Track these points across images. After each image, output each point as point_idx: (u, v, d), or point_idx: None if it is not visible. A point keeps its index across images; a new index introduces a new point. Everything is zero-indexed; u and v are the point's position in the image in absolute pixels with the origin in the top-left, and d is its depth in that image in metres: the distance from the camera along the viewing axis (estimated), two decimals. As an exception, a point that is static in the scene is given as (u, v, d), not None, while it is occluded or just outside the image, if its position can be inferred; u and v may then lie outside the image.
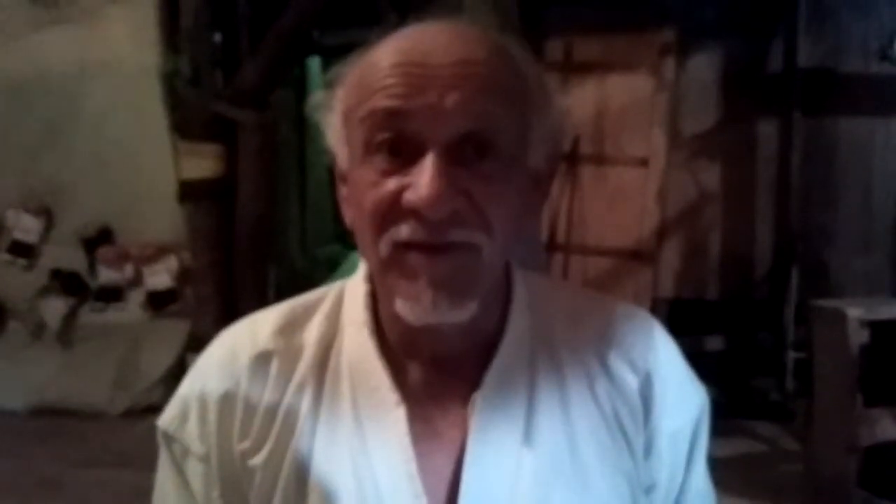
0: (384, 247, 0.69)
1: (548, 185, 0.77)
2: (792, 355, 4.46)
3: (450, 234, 0.67)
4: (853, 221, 4.58)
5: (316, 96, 0.75)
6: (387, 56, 0.69)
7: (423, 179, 0.65)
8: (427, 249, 0.67)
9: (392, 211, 0.67)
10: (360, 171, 0.70)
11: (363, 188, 0.69)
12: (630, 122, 4.60)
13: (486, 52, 0.69)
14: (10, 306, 5.05)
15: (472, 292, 0.70)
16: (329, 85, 0.74)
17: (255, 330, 0.81)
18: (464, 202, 0.67)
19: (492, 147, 0.68)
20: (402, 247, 0.68)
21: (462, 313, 0.70)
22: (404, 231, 0.67)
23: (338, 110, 0.73)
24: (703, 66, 4.68)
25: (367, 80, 0.69)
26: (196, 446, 0.79)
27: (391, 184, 0.67)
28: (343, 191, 0.77)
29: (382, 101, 0.67)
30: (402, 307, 0.69)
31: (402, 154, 0.67)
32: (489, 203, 0.68)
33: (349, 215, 0.75)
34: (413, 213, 0.66)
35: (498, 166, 0.68)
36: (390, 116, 0.67)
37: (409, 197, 0.66)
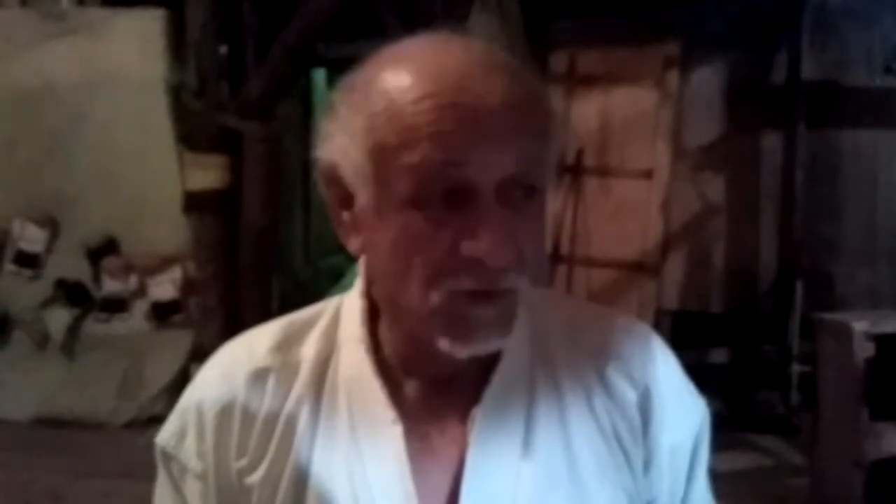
0: (437, 296, 0.68)
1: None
2: (797, 368, 4.45)
3: (502, 280, 0.68)
4: (857, 234, 4.58)
5: (325, 119, 0.73)
6: (426, 92, 0.66)
7: (484, 231, 0.65)
8: (481, 298, 0.68)
9: (449, 262, 0.66)
10: (404, 217, 0.67)
11: (410, 237, 0.67)
12: (634, 134, 4.61)
13: (525, 90, 0.69)
14: (15, 316, 5.06)
15: (512, 326, 0.71)
16: (338, 104, 0.71)
17: (251, 346, 0.81)
18: (519, 249, 0.68)
19: (532, 188, 0.68)
20: (457, 296, 0.68)
21: (503, 344, 0.72)
22: (466, 283, 0.67)
23: (359, 140, 0.69)
24: (707, 79, 4.68)
25: (410, 122, 0.65)
26: (194, 464, 0.79)
27: (446, 235, 0.66)
28: (345, 216, 0.74)
29: (439, 154, 0.65)
30: (450, 346, 0.70)
31: (453, 201, 0.66)
32: (529, 243, 0.69)
33: (356, 243, 0.73)
34: (473, 264, 0.66)
35: (535, 205, 0.69)
36: (447, 167, 0.65)
37: (473, 249, 0.65)
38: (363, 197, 0.70)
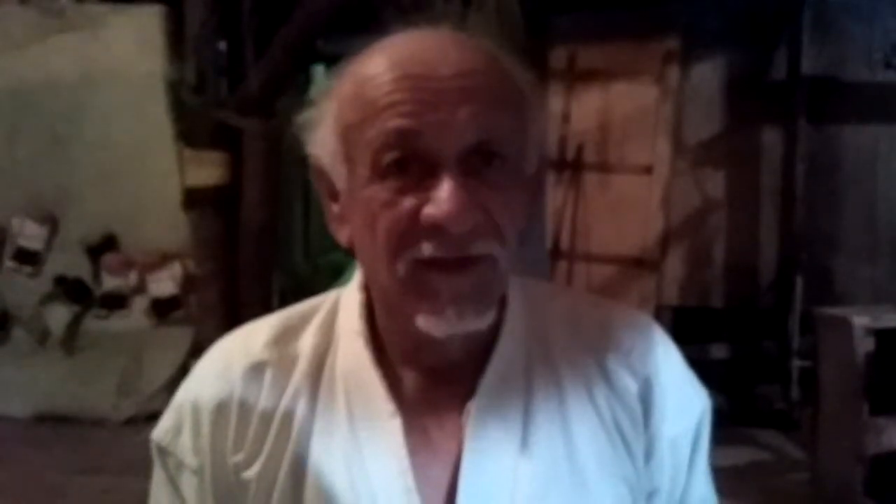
0: (402, 266, 0.68)
1: (539, 189, 0.78)
2: (797, 363, 4.45)
3: (471, 247, 0.67)
4: (858, 229, 4.58)
5: (305, 113, 0.74)
6: (386, 68, 0.68)
7: (442, 194, 0.65)
8: (449, 266, 0.67)
9: (411, 230, 0.67)
10: (369, 191, 0.68)
11: (375, 209, 0.68)
12: (634, 130, 4.61)
13: (486, 62, 0.69)
14: (15, 313, 5.06)
15: (492, 301, 0.71)
16: (318, 99, 0.73)
17: (248, 340, 0.80)
18: (480, 214, 0.67)
19: (499, 156, 0.68)
20: (422, 265, 0.67)
21: (484, 321, 0.71)
22: (426, 249, 0.67)
23: (331, 126, 0.71)
24: (707, 75, 4.68)
25: (370, 96, 0.68)
26: (190, 459, 0.78)
27: (407, 202, 0.67)
28: (334, 208, 0.75)
29: (393, 121, 0.66)
30: (424, 322, 0.69)
31: (414, 171, 0.67)
32: (501, 212, 0.68)
33: (345, 233, 0.74)
34: (434, 230, 0.66)
35: (505, 175, 0.69)
36: (402, 135, 0.66)
37: (431, 212, 0.65)
38: (339, 182, 0.72)
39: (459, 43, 0.70)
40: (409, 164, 0.67)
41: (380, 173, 0.67)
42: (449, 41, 0.70)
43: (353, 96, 0.69)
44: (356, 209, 0.71)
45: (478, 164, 0.67)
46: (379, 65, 0.69)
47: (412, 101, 0.66)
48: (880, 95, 4.48)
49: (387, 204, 0.67)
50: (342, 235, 0.75)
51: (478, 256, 0.68)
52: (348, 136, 0.70)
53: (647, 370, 0.78)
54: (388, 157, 0.67)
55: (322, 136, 0.72)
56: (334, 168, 0.72)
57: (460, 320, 0.69)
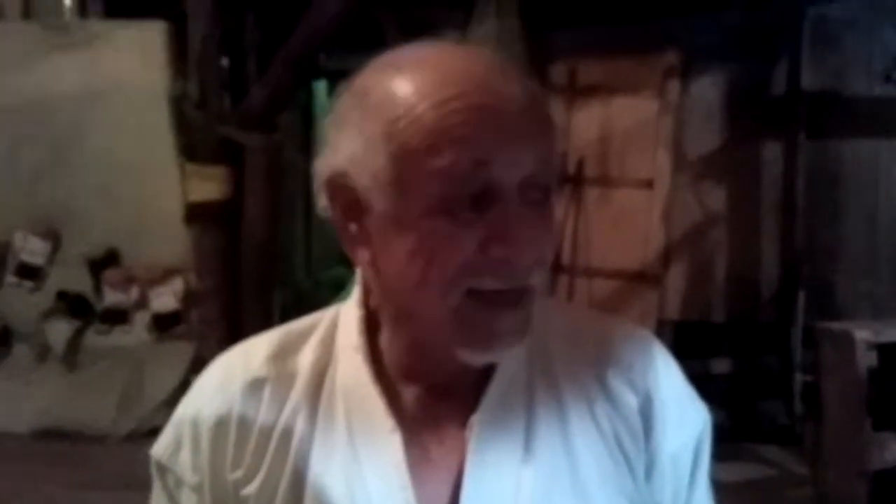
0: (456, 297, 0.67)
1: None
2: (799, 378, 4.43)
3: (529, 279, 0.69)
4: (859, 243, 4.57)
5: (328, 126, 0.72)
6: (452, 95, 0.66)
7: (513, 230, 0.66)
8: (505, 299, 0.68)
9: (475, 263, 0.67)
10: (428, 221, 0.66)
11: (435, 239, 0.66)
12: (635, 144, 4.61)
13: (535, 93, 0.70)
14: (16, 328, 5.06)
15: (529, 329, 0.72)
16: (345, 112, 0.70)
17: (247, 356, 0.80)
18: (542, 248, 0.69)
19: (547, 187, 0.70)
20: (478, 298, 0.68)
21: (522, 348, 0.73)
22: (490, 282, 0.67)
23: (378, 145, 0.67)
24: (708, 89, 4.69)
25: (437, 123, 0.65)
26: (189, 476, 0.78)
27: (472, 236, 0.66)
28: (352, 227, 0.72)
29: (468, 155, 0.65)
30: (468, 354, 0.70)
31: (479, 204, 0.67)
32: (547, 241, 0.70)
33: (364, 254, 0.72)
34: (500, 264, 0.67)
35: (550, 205, 0.71)
36: (477, 171, 0.65)
37: (502, 250, 0.66)
38: (380, 205, 0.69)
39: (511, 71, 0.71)
40: (477, 197, 0.66)
41: (445, 205, 0.66)
42: (501, 68, 0.70)
43: (411, 121, 0.66)
44: (402, 236, 0.68)
45: (534, 195, 0.68)
46: (437, 89, 0.66)
47: (485, 135, 0.66)
48: (880, 109, 4.48)
49: (451, 236, 0.66)
50: (361, 256, 0.72)
51: (531, 289, 0.69)
52: (406, 160, 0.66)
53: (648, 385, 0.78)
54: (462, 191, 0.66)
55: (354, 153, 0.69)
56: (373, 190, 0.68)
57: (504, 352, 0.71)
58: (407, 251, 0.68)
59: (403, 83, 0.68)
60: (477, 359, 0.70)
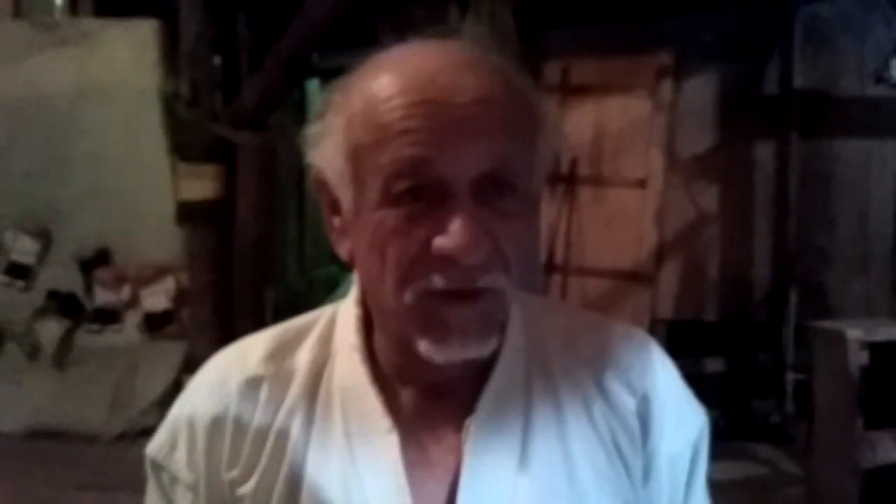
0: (410, 295, 0.67)
1: (539, 205, 0.77)
2: (791, 377, 4.45)
3: (480, 279, 0.66)
4: (851, 242, 4.59)
5: (310, 124, 0.72)
6: (399, 90, 0.66)
7: (455, 226, 0.64)
8: (457, 297, 0.66)
9: (421, 260, 0.66)
10: (378, 216, 0.67)
11: (384, 234, 0.67)
12: (628, 143, 4.62)
13: (502, 86, 0.68)
14: (7, 328, 5.04)
15: (495, 331, 0.71)
16: (324, 111, 0.72)
17: (244, 355, 0.80)
18: (492, 246, 0.66)
19: (507, 185, 0.67)
20: (431, 294, 0.67)
21: (486, 350, 0.70)
22: (437, 281, 0.66)
23: (339, 143, 0.69)
24: (701, 89, 4.70)
25: (383, 119, 0.66)
26: (184, 475, 0.78)
27: (418, 231, 0.66)
28: (336, 221, 0.74)
29: (407, 149, 0.65)
30: (426, 349, 0.68)
31: (426, 199, 0.66)
32: (509, 242, 0.67)
33: (346, 247, 0.73)
34: (445, 261, 0.65)
35: (515, 203, 0.68)
36: (415, 164, 0.65)
37: (443, 244, 0.64)
38: (345, 200, 0.71)
39: (475, 65, 0.68)
40: (421, 192, 0.65)
41: (391, 199, 0.66)
42: (464, 62, 0.68)
43: (365, 116, 0.67)
44: (362, 230, 0.69)
45: (490, 194, 0.66)
46: (391, 85, 0.67)
47: (427, 129, 0.65)
48: (872, 109, 4.50)
49: (397, 231, 0.66)
50: (343, 249, 0.74)
51: (485, 289, 0.67)
52: (358, 156, 0.68)
53: (645, 387, 0.78)
54: (401, 185, 0.65)
55: (328, 150, 0.70)
56: (339, 185, 0.71)
57: (463, 349, 0.68)
58: (366, 246, 0.69)
59: (367, 81, 0.69)
60: (438, 356, 0.68)
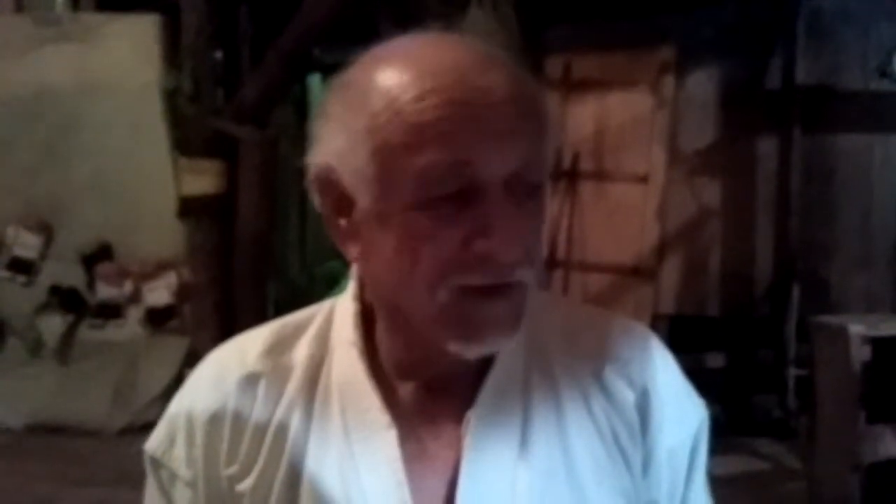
0: (445, 294, 0.67)
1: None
2: (793, 372, 4.45)
3: (514, 274, 0.67)
4: (853, 238, 4.59)
5: (316, 120, 0.71)
6: (430, 89, 0.65)
7: (495, 226, 0.65)
8: (492, 292, 0.67)
9: (459, 259, 0.66)
10: (410, 218, 0.66)
11: (416, 236, 0.66)
12: (630, 139, 4.61)
13: (523, 85, 0.69)
14: (9, 323, 5.04)
15: (521, 323, 0.71)
16: (332, 106, 0.70)
17: (242, 351, 0.80)
18: (527, 243, 0.68)
19: (534, 182, 0.68)
20: (467, 292, 0.67)
21: (514, 342, 0.72)
22: (476, 278, 0.66)
23: (359, 141, 0.67)
24: (703, 84, 4.70)
25: (414, 119, 0.64)
26: (183, 471, 0.78)
27: (455, 233, 0.66)
28: (342, 223, 0.72)
29: (446, 153, 0.64)
30: (458, 346, 0.69)
31: (461, 200, 0.65)
32: (535, 238, 0.69)
33: (355, 250, 0.72)
34: (484, 260, 0.65)
35: (538, 200, 0.69)
36: (454, 167, 0.65)
37: (485, 245, 0.65)
38: (364, 200, 0.68)
39: (495, 62, 0.68)
40: (457, 194, 0.65)
41: (426, 202, 0.65)
42: (485, 60, 0.68)
43: (392, 115, 0.65)
44: (386, 230, 0.68)
45: (519, 192, 0.67)
46: (417, 82, 0.65)
47: (462, 130, 0.64)
48: (875, 104, 4.49)
49: (433, 233, 0.66)
50: (352, 249, 0.72)
51: (517, 283, 0.68)
52: (387, 156, 0.66)
53: (645, 381, 0.78)
54: (440, 189, 0.65)
55: (340, 148, 0.68)
56: (357, 185, 0.68)
57: (496, 343, 0.70)
58: (392, 248, 0.67)
59: (385, 77, 0.67)
60: (468, 352, 0.69)
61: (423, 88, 0.65)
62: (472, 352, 0.69)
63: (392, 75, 0.67)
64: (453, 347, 0.69)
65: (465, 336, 0.68)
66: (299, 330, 0.80)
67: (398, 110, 0.65)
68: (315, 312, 0.81)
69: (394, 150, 0.65)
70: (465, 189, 0.65)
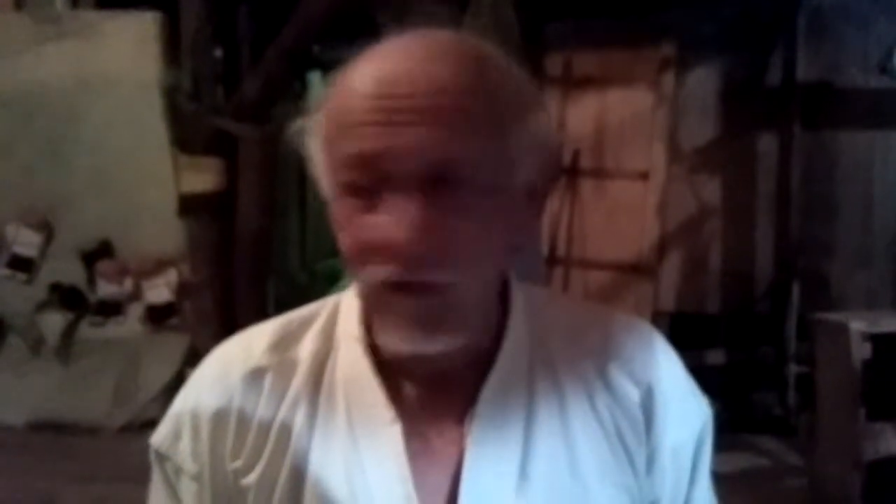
0: (363, 284, 0.70)
1: (544, 198, 0.75)
2: (794, 369, 4.45)
3: (424, 273, 0.66)
4: (853, 235, 4.58)
5: (301, 120, 0.73)
6: (362, 83, 0.67)
7: (392, 218, 0.65)
8: (401, 289, 0.66)
9: (366, 250, 0.67)
10: (337, 205, 0.69)
11: (342, 224, 0.69)
12: (630, 136, 4.61)
13: (460, 76, 0.66)
14: (9, 321, 5.04)
15: (447, 328, 0.69)
16: (314, 105, 0.73)
17: (248, 345, 0.80)
18: (437, 240, 0.65)
19: (462, 180, 0.66)
20: (378, 285, 0.68)
21: (440, 345, 0.69)
22: (381, 272, 0.66)
23: (319, 137, 0.71)
24: (703, 81, 4.69)
25: (345, 111, 0.67)
26: (189, 465, 0.78)
27: (365, 223, 0.67)
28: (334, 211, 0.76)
29: (356, 143, 0.66)
30: (383, 338, 0.71)
31: (375, 190, 0.66)
32: (463, 239, 0.66)
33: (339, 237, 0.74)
34: (387, 253, 0.65)
35: (472, 198, 0.66)
36: (362, 158, 0.66)
37: (382, 237, 0.65)
38: (325, 192, 0.73)
39: (437, 55, 0.67)
40: (371, 184, 0.66)
41: (346, 192, 0.68)
42: (426, 53, 0.67)
43: (335, 109, 0.69)
44: (332, 219, 0.72)
45: (440, 188, 0.65)
46: (358, 78, 0.68)
47: (372, 122, 0.65)
48: (875, 101, 4.49)
49: (348, 221, 0.68)
50: (339, 239, 0.74)
51: (431, 283, 0.66)
52: (327, 146, 0.70)
53: (649, 378, 0.78)
54: (351, 177, 0.67)
55: (313, 146, 0.73)
56: (321, 177, 0.73)
57: (412, 343, 0.69)
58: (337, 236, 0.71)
59: (344, 79, 0.70)
60: (396, 345, 0.70)
61: (361, 83, 0.67)
62: (402, 346, 0.70)
63: (349, 75, 0.69)
64: (381, 340, 0.70)
65: (388, 328, 0.70)
66: (305, 325, 0.80)
67: (337, 105, 0.69)
68: (320, 308, 0.82)
69: (330, 141, 0.69)
70: (377, 181, 0.66)
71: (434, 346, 0.69)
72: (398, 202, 0.65)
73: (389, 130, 0.65)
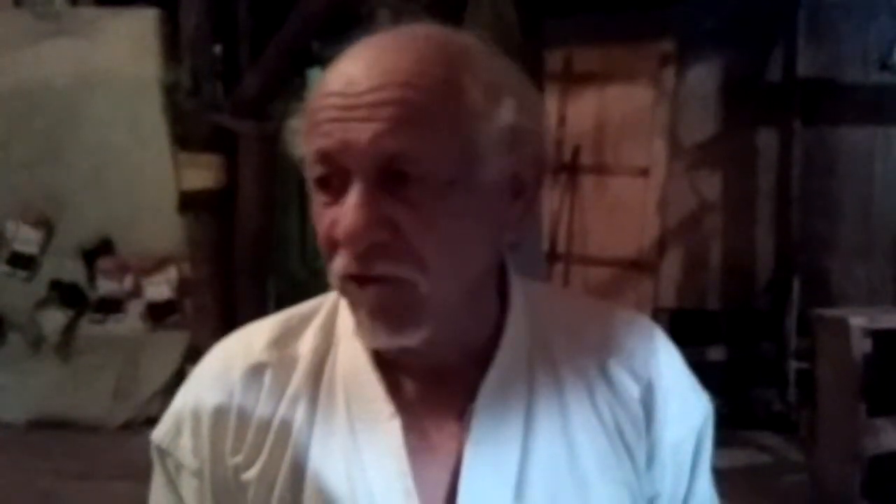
0: (331, 276, 0.71)
1: (534, 191, 0.73)
2: (794, 365, 4.45)
3: (375, 266, 0.67)
4: (854, 230, 4.58)
5: (295, 118, 0.74)
6: (332, 81, 0.68)
7: (347, 214, 0.66)
8: (359, 282, 0.68)
9: (330, 243, 0.69)
10: (314, 201, 0.71)
11: (315, 219, 0.71)
12: (630, 132, 4.61)
13: (414, 72, 0.66)
14: (10, 318, 5.04)
15: (410, 323, 0.69)
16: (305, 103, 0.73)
17: (248, 342, 0.80)
18: (389, 234, 0.66)
19: (414, 175, 0.65)
20: (339, 278, 0.69)
21: (405, 340, 0.69)
22: (339, 264, 0.68)
23: (302, 135, 0.72)
24: (703, 77, 4.69)
25: (315, 111, 0.68)
26: (189, 461, 0.78)
27: (327, 217, 0.68)
28: None
29: (320, 141, 0.67)
30: (358, 332, 0.72)
31: (334, 187, 0.68)
32: (419, 233, 0.66)
33: None
34: (339, 245, 0.68)
35: (429, 193, 0.66)
36: (321, 154, 0.67)
37: (338, 230, 0.67)
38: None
39: (402, 50, 0.67)
40: (331, 179, 0.68)
41: (315, 185, 0.69)
42: (393, 49, 0.68)
43: (310, 107, 0.70)
44: None
45: (395, 182, 0.66)
46: (331, 76, 0.69)
47: (333, 119, 0.66)
48: (876, 97, 4.49)
49: (317, 214, 0.70)
50: None
51: (384, 276, 0.67)
52: (305, 145, 0.71)
53: (650, 374, 0.78)
54: (317, 172, 0.68)
55: (299, 141, 0.73)
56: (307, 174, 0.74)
57: (374, 336, 0.70)
58: None
59: (325, 74, 0.70)
60: (365, 339, 0.71)
61: (331, 81, 0.68)
62: (364, 339, 0.71)
63: (329, 70, 0.70)
64: (359, 334, 0.71)
65: (356, 324, 0.71)
66: (305, 321, 0.81)
67: (312, 102, 0.69)
68: (321, 304, 0.82)
69: (305, 137, 0.70)
70: (336, 176, 0.67)
71: (398, 341, 0.69)
72: (350, 195, 0.66)
73: (346, 126, 0.66)
